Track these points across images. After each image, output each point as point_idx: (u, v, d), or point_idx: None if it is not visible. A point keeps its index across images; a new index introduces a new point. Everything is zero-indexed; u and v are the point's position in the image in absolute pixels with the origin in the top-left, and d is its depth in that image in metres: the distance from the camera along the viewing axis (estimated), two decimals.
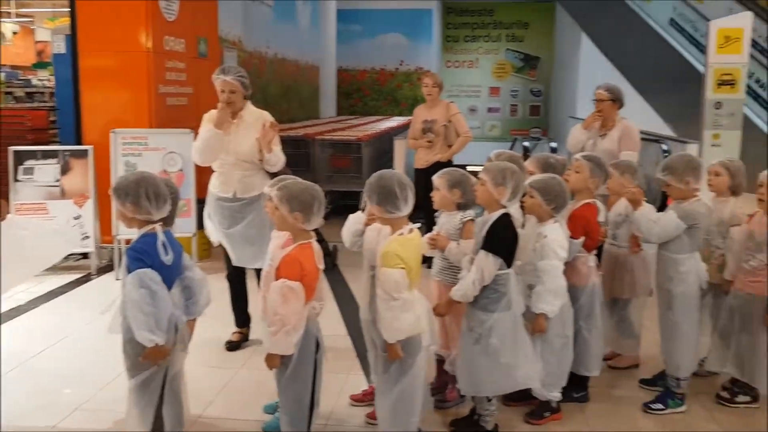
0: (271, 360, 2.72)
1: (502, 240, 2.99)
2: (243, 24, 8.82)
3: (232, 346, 4.26)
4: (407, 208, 2.83)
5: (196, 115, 4.18)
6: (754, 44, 10.85)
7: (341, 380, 3.77)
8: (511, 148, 9.73)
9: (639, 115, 10.95)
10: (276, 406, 3.30)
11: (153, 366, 2.67)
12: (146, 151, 5.87)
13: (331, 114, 13.69)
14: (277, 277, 2.67)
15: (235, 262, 4.18)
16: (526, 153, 10.72)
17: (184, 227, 5.77)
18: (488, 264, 2.95)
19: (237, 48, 8.61)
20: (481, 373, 3.05)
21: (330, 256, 6.11)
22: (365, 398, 3.49)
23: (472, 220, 3.24)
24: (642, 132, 8.49)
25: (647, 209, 3.45)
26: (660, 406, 3.49)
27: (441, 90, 6.11)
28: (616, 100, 4.72)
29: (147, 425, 2.72)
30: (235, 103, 4.01)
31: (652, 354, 3.71)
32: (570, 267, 3.34)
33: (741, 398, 3.55)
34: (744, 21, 7.68)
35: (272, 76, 10.10)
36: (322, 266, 2.82)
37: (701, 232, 3.44)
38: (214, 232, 4.20)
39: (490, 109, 15.63)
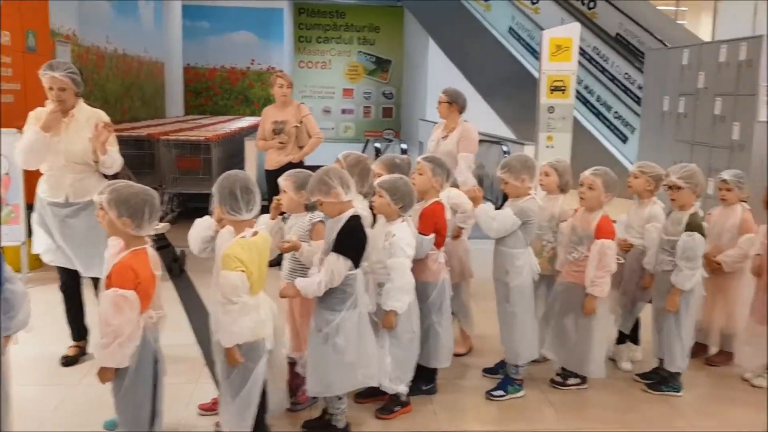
0: (104, 374, 2.57)
1: (352, 242, 3.02)
2: (78, 17, 8.26)
3: (68, 361, 3.97)
4: (250, 212, 2.78)
5: (24, 114, 3.86)
6: (583, 53, 11.85)
7: (190, 390, 3.65)
8: (363, 150, 9.89)
9: (483, 118, 11.57)
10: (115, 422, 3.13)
11: None
12: None
13: (179, 113, 13.17)
14: (108, 286, 2.53)
15: (73, 267, 3.91)
16: (378, 154, 10.93)
17: (12, 235, 5.31)
18: (339, 266, 2.98)
19: (71, 42, 8.05)
20: (329, 373, 3.07)
21: (177, 262, 5.88)
22: (214, 407, 3.39)
23: (321, 221, 3.26)
24: (485, 134, 8.98)
25: (486, 207, 3.65)
26: (501, 392, 3.71)
27: (292, 90, 6.09)
28: (454, 102, 4.93)
29: None
30: (66, 102, 3.75)
31: (495, 346, 3.93)
32: (421, 264, 3.46)
33: (572, 380, 3.86)
34: (573, 31, 8.30)
35: (112, 72, 9.54)
36: (159, 272, 2.70)
37: (534, 228, 3.70)
38: (43, 242, 3.90)
39: (344, 111, 15.81)
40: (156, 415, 2.75)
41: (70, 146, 3.76)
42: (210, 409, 3.41)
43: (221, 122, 10.81)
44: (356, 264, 3.04)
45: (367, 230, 3.16)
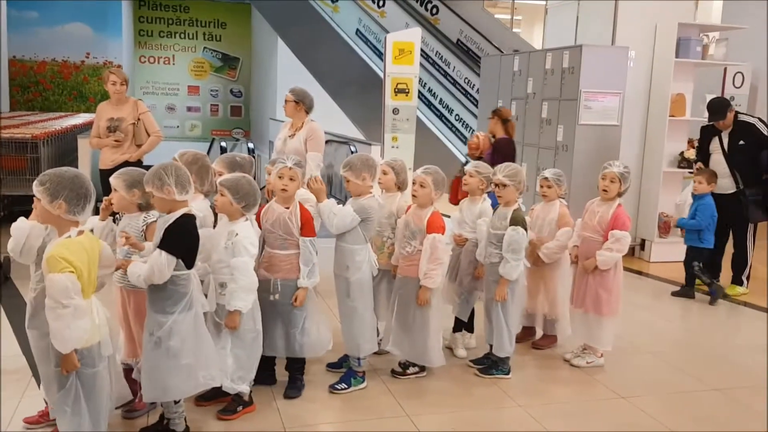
0: None
1: (180, 240, 2.94)
2: None
3: None
4: (85, 214, 2.66)
5: None
6: (427, 57, 12.35)
7: (14, 404, 3.40)
8: (209, 149, 9.67)
9: (332, 118, 11.71)
10: None
11: None
12: None
13: (4, 109, 12.11)
14: None
15: None
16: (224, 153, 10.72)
17: None
18: (161, 262, 2.86)
19: None
20: (164, 378, 2.99)
21: (1, 269, 5.43)
22: (42, 419, 3.20)
23: (155, 221, 3.16)
24: (334, 135, 9.12)
25: (330, 202, 3.73)
26: (344, 385, 3.81)
27: (127, 87, 5.83)
28: (300, 102, 5.00)
29: None
30: None
31: (337, 341, 4.02)
32: (286, 261, 3.51)
33: (411, 369, 4.04)
34: (414, 36, 8.61)
35: None
36: None
37: (374, 225, 3.84)
38: None
39: (189, 108, 15.29)
40: None
41: None
42: (37, 422, 3.21)
43: (52, 119, 10.08)
44: (188, 264, 2.98)
45: (203, 230, 3.12)
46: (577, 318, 4.38)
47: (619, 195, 4.25)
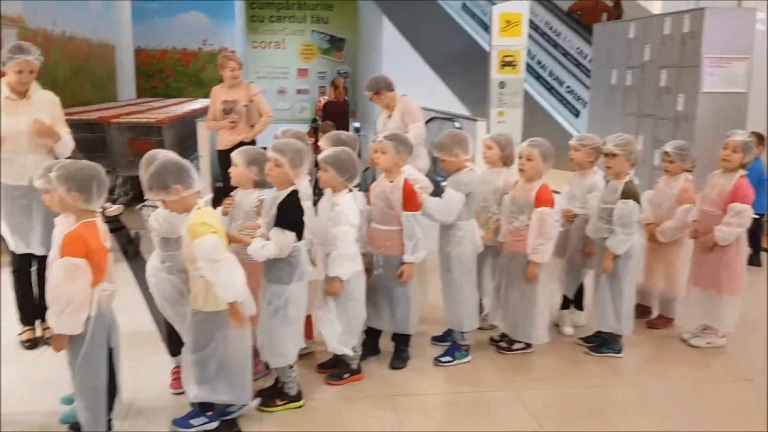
0: (57, 341, 2.66)
1: (293, 215, 3.10)
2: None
3: (32, 345, 3.99)
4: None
5: None
6: (536, 28, 12.01)
7: (146, 366, 3.68)
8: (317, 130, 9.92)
9: (437, 95, 11.67)
10: (71, 398, 3.19)
11: None
12: None
13: (131, 96, 12.95)
14: (61, 256, 2.60)
15: (29, 251, 3.92)
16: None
17: None
18: (285, 239, 3.05)
19: (17, 25, 7.86)
20: (280, 344, 3.18)
21: (132, 244, 5.88)
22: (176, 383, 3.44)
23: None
24: (438, 111, 9.10)
25: (430, 200, 3.72)
26: (449, 358, 3.85)
27: (241, 71, 6.09)
28: (378, 91, 5.10)
29: None
30: (28, 84, 3.82)
31: (444, 315, 4.05)
32: (392, 236, 3.57)
33: (517, 345, 4.01)
34: (522, 6, 8.40)
35: (60, 55, 9.35)
36: (109, 245, 2.76)
37: (476, 200, 3.83)
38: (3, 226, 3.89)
39: (299, 91, 15.68)
40: (115, 388, 2.84)
41: (30, 128, 3.76)
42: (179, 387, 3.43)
43: (174, 104, 10.69)
44: (299, 236, 3.13)
45: (305, 203, 3.24)
46: (695, 296, 4.17)
47: (742, 166, 3.99)
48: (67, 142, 3.92)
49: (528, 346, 4.00)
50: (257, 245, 3.04)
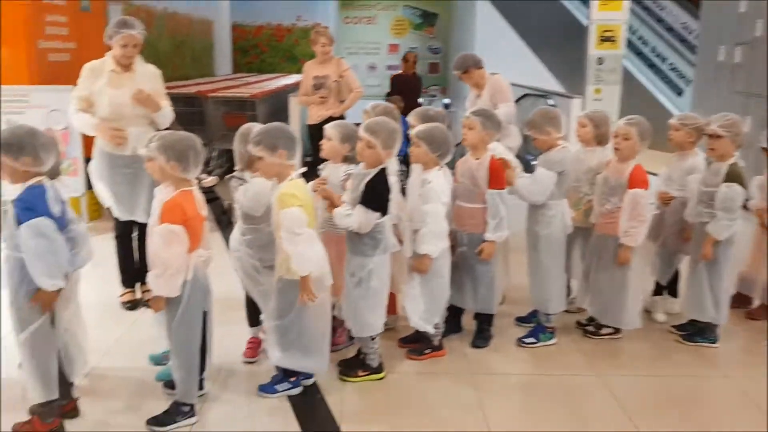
0: (156, 303, 2.81)
1: (378, 195, 3.13)
2: None
3: (132, 306, 4.25)
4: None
5: (79, 72, 4.06)
6: (638, 1, 11.46)
7: (237, 332, 3.83)
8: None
9: (531, 71, 11.38)
10: (161, 357, 3.38)
11: (41, 317, 2.69)
12: (29, 109, 5.63)
13: (227, 71, 13.35)
14: (160, 223, 2.74)
15: (131, 218, 4.14)
16: None
17: (72, 187, 5.61)
18: (367, 218, 3.10)
19: (122, 1, 8.24)
20: (364, 315, 3.23)
21: (226, 214, 6.10)
22: (256, 353, 3.58)
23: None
24: (531, 88, 8.87)
25: (521, 179, 3.66)
26: (532, 339, 3.79)
27: (333, 47, 6.15)
28: (467, 70, 4.98)
29: (45, 376, 2.75)
30: (132, 57, 3.99)
31: (529, 295, 3.99)
32: (477, 214, 3.54)
33: (605, 330, 3.90)
34: None
35: (162, 31, 9.74)
36: (205, 213, 2.88)
37: (568, 179, 3.72)
38: (105, 192, 4.12)
39: (389, 67, 15.67)
40: (207, 352, 3.00)
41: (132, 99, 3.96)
42: (252, 356, 3.57)
43: (267, 80, 10.94)
44: (384, 212, 3.15)
45: (391, 179, 3.25)
46: None
47: None
48: (166, 113, 4.10)
49: (617, 331, 3.89)
50: (343, 211, 3.11)
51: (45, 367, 2.75)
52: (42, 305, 2.67)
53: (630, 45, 10.66)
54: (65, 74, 5.93)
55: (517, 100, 9.71)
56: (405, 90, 8.67)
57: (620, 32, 8.17)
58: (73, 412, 2.95)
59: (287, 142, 2.93)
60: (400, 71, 9.49)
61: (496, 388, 3.35)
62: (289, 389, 3.18)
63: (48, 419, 2.80)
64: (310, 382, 3.25)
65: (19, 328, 2.71)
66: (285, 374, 3.18)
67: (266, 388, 3.20)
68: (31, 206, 2.60)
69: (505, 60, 11.43)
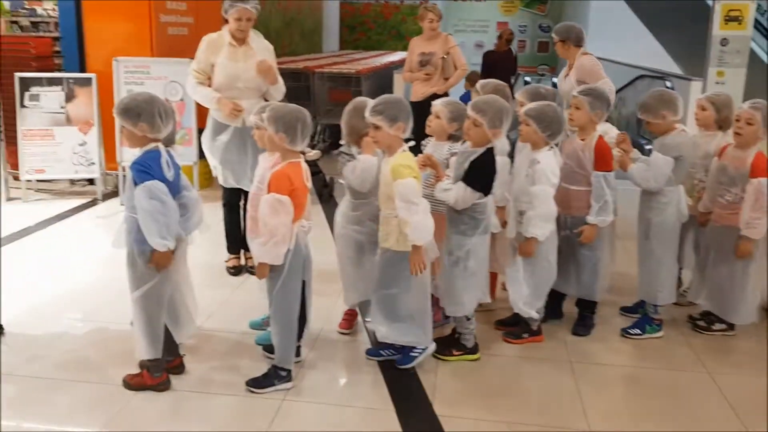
0: (261, 269, 2.89)
1: (482, 175, 3.08)
2: None
3: (236, 271, 4.41)
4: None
5: (196, 46, 4.23)
6: None
7: (333, 304, 3.90)
8: (513, 83, 9.67)
9: (647, 52, 10.81)
10: (260, 322, 3.49)
11: (156, 277, 2.83)
12: (148, 80, 5.94)
13: (334, 48, 13.51)
14: (268, 192, 2.81)
15: (239, 186, 4.28)
16: None
17: (186, 156, 5.88)
18: (464, 196, 3.06)
19: None
20: (460, 294, 3.20)
21: (327, 188, 6.21)
22: (350, 326, 3.63)
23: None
24: (647, 68, 8.43)
25: (636, 166, 3.49)
26: (638, 331, 3.63)
27: (440, 24, 6.07)
28: (566, 40, 4.69)
29: (153, 334, 2.90)
30: (246, 32, 4.10)
31: (635, 285, 3.81)
32: (583, 197, 3.43)
33: (717, 326, 3.68)
34: None
35: (274, 8, 9.97)
36: (310, 185, 2.94)
37: (685, 165, 3.50)
38: (214, 161, 4.28)
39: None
40: (305, 317, 3.09)
41: (247, 74, 4.10)
42: (347, 327, 3.61)
43: (373, 56, 10.98)
44: (486, 193, 3.10)
45: (500, 159, 3.18)
46: None
47: None
48: (280, 87, 4.22)
49: (730, 327, 3.66)
50: (444, 185, 3.10)
51: (153, 326, 2.90)
52: (157, 266, 2.80)
53: (758, 25, 9.91)
54: (183, 48, 6.21)
55: (632, 82, 9.28)
56: (493, 66, 8.47)
57: (748, 12, 7.63)
58: (179, 368, 3.11)
59: (406, 116, 2.95)
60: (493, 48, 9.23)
61: (597, 379, 3.23)
62: (393, 355, 3.24)
63: (156, 373, 2.96)
64: (420, 359, 3.20)
65: (134, 286, 2.87)
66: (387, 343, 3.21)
67: (372, 352, 3.31)
68: (146, 169, 2.73)
69: (620, 39, 10.91)
